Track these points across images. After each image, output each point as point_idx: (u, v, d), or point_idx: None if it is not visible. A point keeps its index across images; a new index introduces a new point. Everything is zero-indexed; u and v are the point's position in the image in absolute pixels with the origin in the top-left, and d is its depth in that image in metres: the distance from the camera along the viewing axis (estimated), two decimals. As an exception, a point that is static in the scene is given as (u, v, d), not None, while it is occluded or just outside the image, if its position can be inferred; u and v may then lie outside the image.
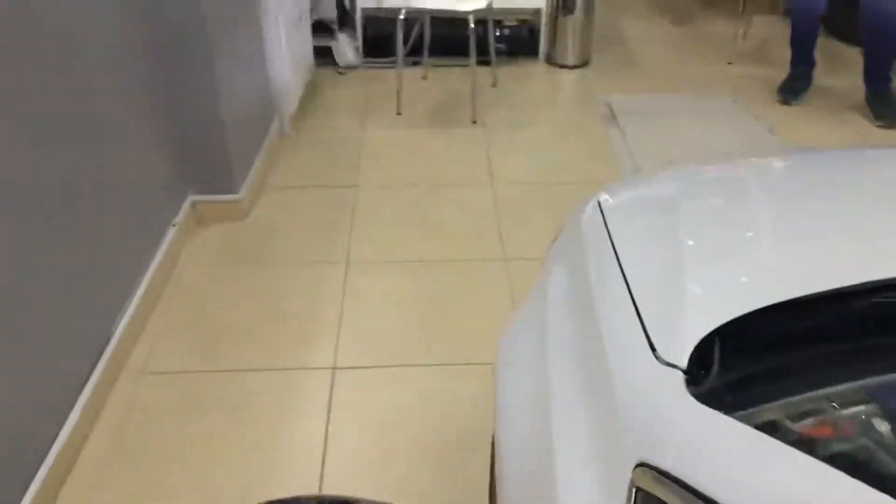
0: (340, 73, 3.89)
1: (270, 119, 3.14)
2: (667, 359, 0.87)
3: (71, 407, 1.85)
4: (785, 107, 3.58)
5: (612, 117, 3.49)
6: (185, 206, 2.60)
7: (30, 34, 1.68)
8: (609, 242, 1.20)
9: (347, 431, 1.93)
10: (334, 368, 2.13)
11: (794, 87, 3.60)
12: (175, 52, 2.37)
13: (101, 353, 2.00)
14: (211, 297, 2.39)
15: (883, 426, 0.88)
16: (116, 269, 2.11)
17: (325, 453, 1.87)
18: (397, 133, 3.37)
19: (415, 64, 3.92)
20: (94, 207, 1.97)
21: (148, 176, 2.31)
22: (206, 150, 2.57)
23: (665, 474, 0.76)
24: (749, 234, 1.15)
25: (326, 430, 1.93)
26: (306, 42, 3.56)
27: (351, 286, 2.44)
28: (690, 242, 1.14)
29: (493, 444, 1.53)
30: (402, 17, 3.36)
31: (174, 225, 2.50)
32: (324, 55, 3.88)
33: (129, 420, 1.96)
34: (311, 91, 3.66)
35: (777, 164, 1.54)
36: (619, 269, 1.11)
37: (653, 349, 0.91)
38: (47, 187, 1.75)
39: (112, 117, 2.06)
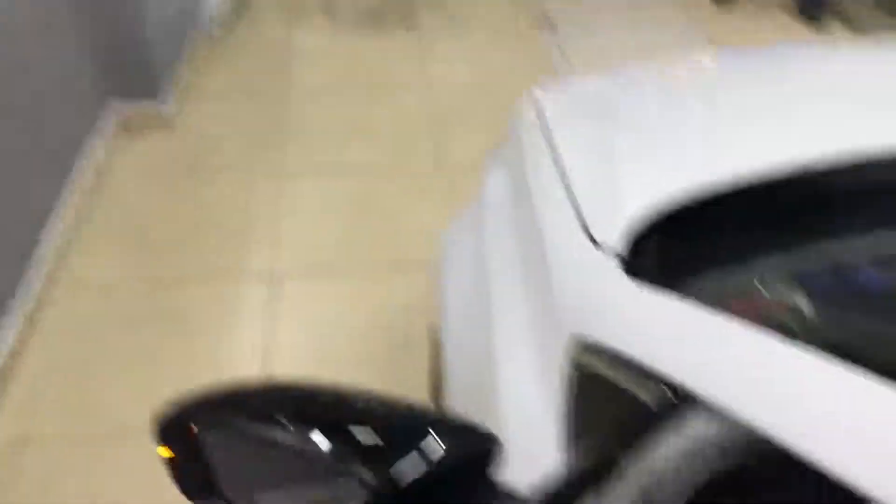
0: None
1: (194, 20, 3.00)
2: (600, 240, 0.89)
3: (7, 317, 1.80)
4: (719, 12, 3.58)
5: (551, 25, 3.45)
6: (110, 113, 2.49)
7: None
8: (546, 134, 1.20)
9: (287, 337, 1.94)
10: (271, 275, 2.11)
11: None
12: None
13: (28, 260, 1.94)
14: (145, 207, 2.32)
15: (806, 305, 0.93)
16: (40, 173, 2.02)
17: (264, 358, 1.88)
18: (329, 37, 3.27)
19: (347, -33, 3.78)
20: (12, 108, 1.87)
21: (68, 77, 2.19)
22: (127, 50, 2.43)
23: (597, 345, 0.78)
24: (683, 126, 1.16)
25: (266, 337, 1.94)
26: (231, -59, 3.39)
27: (286, 194, 2.40)
28: (629, 132, 1.15)
29: (431, 338, 1.56)
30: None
31: (98, 131, 2.39)
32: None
33: (68, 332, 1.92)
34: (239, -6, 3.51)
35: (709, 61, 1.56)
36: (555, 160, 1.12)
37: (588, 233, 0.93)
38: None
39: (28, 11, 1.94)
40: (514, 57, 3.19)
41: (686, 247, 1.00)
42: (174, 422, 0.71)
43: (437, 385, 1.39)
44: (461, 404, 1.11)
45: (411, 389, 1.78)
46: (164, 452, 0.71)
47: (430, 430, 0.62)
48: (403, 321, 1.98)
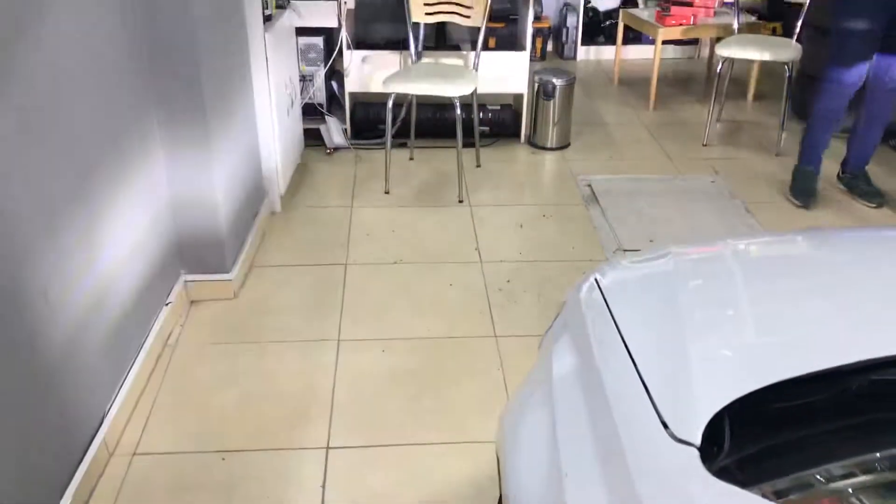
0: (329, 153, 3.98)
1: (261, 199, 3.19)
2: (680, 436, 0.90)
3: (63, 492, 1.82)
4: (756, 185, 3.70)
5: (593, 197, 3.59)
6: (178, 285, 2.61)
7: (42, 127, 1.73)
8: (611, 320, 1.24)
9: (343, 512, 1.92)
10: (328, 448, 2.12)
11: (810, 188, 3.58)
12: (173, 137, 2.43)
13: (94, 435, 1.98)
14: (203, 376, 2.38)
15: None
16: (112, 350, 2.11)
17: (321, 535, 1.85)
18: (385, 212, 3.44)
19: (401, 145, 4.02)
20: (92, 289, 1.98)
21: (144, 257, 2.33)
22: (201, 232, 2.60)
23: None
24: (747, 311, 1.20)
25: (322, 512, 1.92)
26: (297, 125, 3.66)
27: (342, 364, 2.44)
28: (691, 319, 1.19)
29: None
30: (391, 100, 3.46)
31: (167, 304, 2.51)
32: (313, 136, 3.97)
33: (120, 501, 1.92)
34: (301, 171, 3.73)
35: (769, 243, 1.60)
36: (623, 347, 1.15)
37: (665, 426, 0.94)
38: (49, 269, 1.77)
39: (111, 200, 2.10)
40: (560, 227, 3.30)
41: (760, 437, 1.01)
42: None
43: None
44: None
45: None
46: None
47: None
48: (465, 500, 1.95)
